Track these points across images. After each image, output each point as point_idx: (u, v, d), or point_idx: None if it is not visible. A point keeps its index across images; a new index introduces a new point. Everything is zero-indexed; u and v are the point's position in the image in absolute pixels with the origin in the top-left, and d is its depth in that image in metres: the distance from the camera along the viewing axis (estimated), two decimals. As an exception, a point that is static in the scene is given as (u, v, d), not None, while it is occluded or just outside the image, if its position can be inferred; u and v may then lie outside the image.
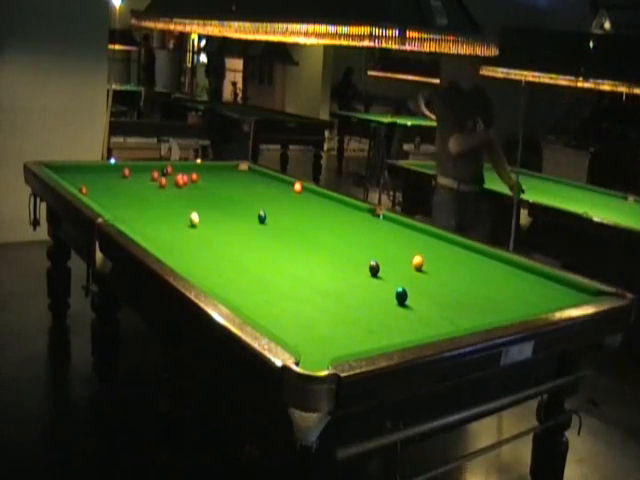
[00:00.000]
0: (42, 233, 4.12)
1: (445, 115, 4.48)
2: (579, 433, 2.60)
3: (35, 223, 4.06)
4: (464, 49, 2.88)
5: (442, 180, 4.49)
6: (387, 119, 10.28)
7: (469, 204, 4.42)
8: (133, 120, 10.49)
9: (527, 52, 5.66)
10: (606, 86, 5.65)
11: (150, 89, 12.01)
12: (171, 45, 17.19)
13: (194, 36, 15.41)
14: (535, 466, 2.75)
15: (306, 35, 2.91)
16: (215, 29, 3.44)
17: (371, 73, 13.27)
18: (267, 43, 10.73)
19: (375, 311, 2.33)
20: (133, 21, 4.02)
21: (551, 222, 4.44)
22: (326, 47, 12.39)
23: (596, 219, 4.21)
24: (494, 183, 5.24)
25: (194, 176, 4.25)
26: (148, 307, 2.80)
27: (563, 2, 8.02)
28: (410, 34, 2.59)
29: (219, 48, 12.84)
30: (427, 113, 11.57)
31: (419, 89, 11.97)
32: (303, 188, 4.26)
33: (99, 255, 2.87)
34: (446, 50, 2.81)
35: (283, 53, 12.05)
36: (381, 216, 3.67)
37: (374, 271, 2.66)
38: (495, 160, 4.61)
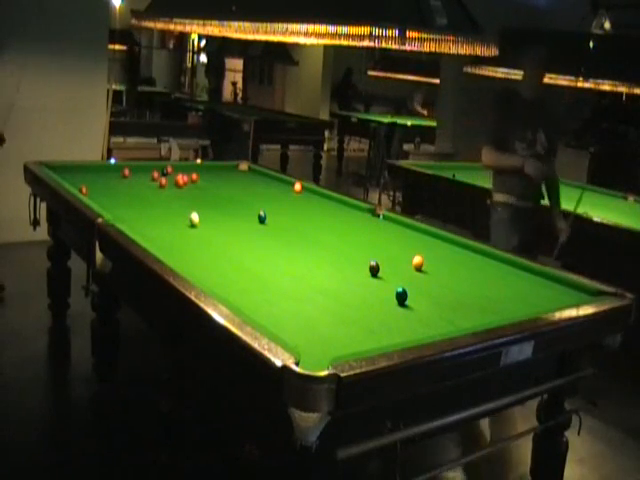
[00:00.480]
0: (42, 233, 4.12)
1: (495, 123, 4.00)
2: (579, 433, 2.60)
3: (35, 223, 4.06)
4: (464, 49, 2.88)
5: (498, 197, 4.02)
6: (387, 119, 10.31)
7: (530, 221, 3.98)
8: (133, 120, 10.48)
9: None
10: (606, 86, 5.66)
11: (132, 89, 11.88)
12: (171, 45, 17.19)
13: (194, 36, 15.41)
14: (535, 466, 2.75)
15: (306, 35, 2.92)
16: (215, 29, 3.45)
17: (371, 73, 13.31)
18: (267, 43, 10.73)
19: (375, 311, 2.33)
20: (133, 21, 4.03)
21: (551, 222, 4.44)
22: (326, 47, 12.39)
23: (596, 219, 4.21)
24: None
25: (194, 176, 4.25)
26: (148, 307, 2.80)
27: (563, 2, 8.01)
28: (410, 34, 2.60)
29: (219, 48, 12.83)
30: (420, 111, 11.70)
31: (415, 88, 12.04)
32: (303, 188, 4.26)
33: (99, 255, 2.87)
34: (446, 50, 2.82)
35: (283, 53, 12.05)
36: (381, 216, 3.67)
37: (374, 271, 2.66)
38: (549, 191, 4.10)
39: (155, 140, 7.05)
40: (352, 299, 2.43)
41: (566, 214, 4.07)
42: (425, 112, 11.57)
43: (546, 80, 5.14)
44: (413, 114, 11.56)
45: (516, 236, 3.86)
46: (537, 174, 3.84)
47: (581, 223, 4.18)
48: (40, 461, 2.93)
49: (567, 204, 4.42)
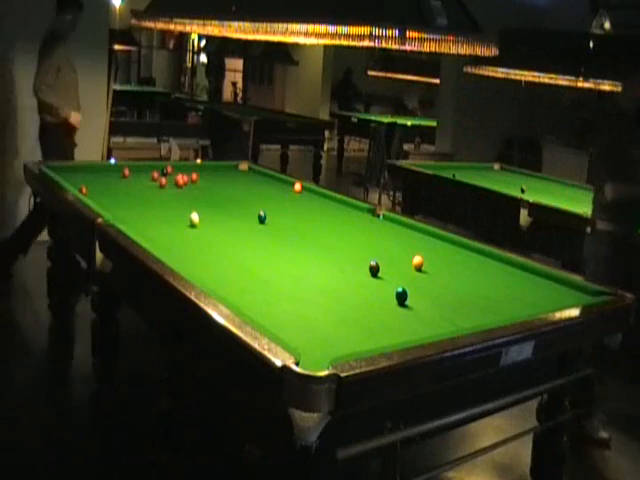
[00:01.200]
0: (42, 233, 4.12)
1: (609, 147, 3.60)
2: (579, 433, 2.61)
3: (35, 223, 4.06)
4: (464, 49, 2.88)
5: (604, 225, 3.55)
6: (387, 119, 10.30)
7: (634, 248, 3.54)
8: (133, 120, 10.48)
9: (527, 52, 5.66)
10: (606, 86, 5.65)
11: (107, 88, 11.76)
12: (171, 45, 17.17)
13: (194, 36, 15.39)
14: (535, 466, 2.75)
15: (306, 35, 2.92)
16: (215, 29, 3.45)
17: (371, 73, 13.31)
18: (267, 43, 10.73)
19: (375, 311, 2.33)
20: (133, 21, 4.03)
21: (551, 222, 4.43)
22: (326, 47, 12.39)
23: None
24: (496, 183, 5.24)
25: (194, 176, 4.25)
26: (148, 307, 2.80)
27: (563, 2, 8.01)
28: (410, 34, 2.60)
29: (219, 48, 12.82)
30: (409, 109, 11.83)
31: (409, 88, 12.11)
32: (303, 188, 4.26)
33: (99, 255, 2.88)
34: (446, 50, 2.81)
35: (283, 53, 12.05)
36: (381, 216, 3.67)
37: (374, 271, 2.66)
38: None
39: (155, 140, 7.05)
40: (352, 299, 2.43)
41: None
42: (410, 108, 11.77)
43: (546, 80, 5.10)
44: (411, 113, 11.62)
45: (622, 267, 3.42)
46: None
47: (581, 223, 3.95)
48: (40, 461, 2.94)
49: (566, 203, 4.39)
